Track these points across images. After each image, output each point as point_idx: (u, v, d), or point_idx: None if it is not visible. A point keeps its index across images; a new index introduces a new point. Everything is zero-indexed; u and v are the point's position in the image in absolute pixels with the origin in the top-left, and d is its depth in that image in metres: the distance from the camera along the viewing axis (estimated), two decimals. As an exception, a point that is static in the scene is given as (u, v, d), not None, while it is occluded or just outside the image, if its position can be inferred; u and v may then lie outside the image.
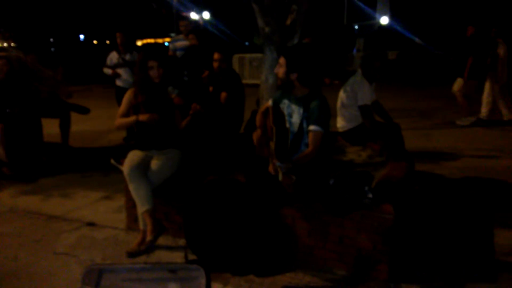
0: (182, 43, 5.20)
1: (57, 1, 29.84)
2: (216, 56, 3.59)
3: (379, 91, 3.82)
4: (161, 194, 2.75)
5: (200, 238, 2.50)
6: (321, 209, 2.36)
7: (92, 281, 1.85)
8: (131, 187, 2.60)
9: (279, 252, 2.42)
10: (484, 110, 6.72)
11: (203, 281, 1.83)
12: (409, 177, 2.84)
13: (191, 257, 2.50)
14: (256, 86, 4.02)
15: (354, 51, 16.53)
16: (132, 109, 2.81)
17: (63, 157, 4.69)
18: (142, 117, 2.70)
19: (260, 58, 5.02)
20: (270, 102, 2.69)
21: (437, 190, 3.40)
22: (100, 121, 6.28)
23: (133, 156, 2.71)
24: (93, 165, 4.46)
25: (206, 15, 18.70)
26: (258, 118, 2.72)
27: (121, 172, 2.75)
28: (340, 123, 3.69)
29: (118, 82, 5.45)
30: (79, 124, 5.60)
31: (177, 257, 2.57)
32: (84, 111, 5.08)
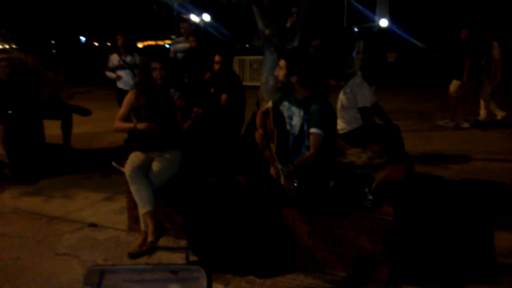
0: (182, 45, 5.23)
1: (58, 3, 29.91)
2: (217, 58, 3.61)
3: (378, 93, 3.84)
4: (162, 195, 2.76)
5: (201, 239, 2.52)
6: (321, 210, 2.38)
7: (94, 282, 1.87)
8: (132, 188, 2.61)
9: (279, 253, 2.43)
10: (482, 112, 6.76)
11: (204, 282, 1.84)
12: (409, 179, 2.86)
13: (192, 258, 2.51)
14: (257, 88, 4.04)
15: (354, 53, 16.55)
16: (134, 111, 2.83)
17: (64, 158, 4.71)
18: (140, 125, 2.72)
19: (260, 60, 5.05)
20: (270, 104, 2.71)
21: (437, 192, 3.41)
22: (102, 123, 6.29)
23: (135, 158, 2.72)
24: (95, 167, 4.47)
25: (206, 17, 18.73)
26: (258, 118, 2.74)
27: (122, 173, 2.76)
28: (340, 125, 3.71)
29: (119, 84, 5.47)
30: (80, 126, 5.62)
31: (178, 258, 2.58)
32: (86, 112, 5.10)
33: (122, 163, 2.93)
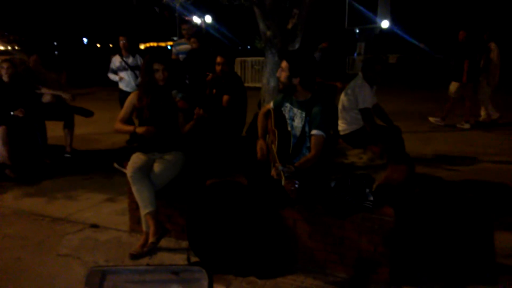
0: (184, 46, 5.25)
1: (60, 4, 30.03)
2: (218, 59, 3.62)
3: (379, 94, 3.85)
4: (164, 196, 2.77)
5: (203, 240, 2.52)
6: (322, 211, 2.38)
7: (95, 283, 1.87)
8: (134, 189, 2.62)
9: (280, 254, 2.43)
10: (483, 114, 6.78)
11: (205, 283, 1.85)
12: (410, 179, 2.86)
13: (194, 259, 2.52)
14: (258, 89, 4.05)
15: (355, 55, 16.56)
16: (136, 112, 2.84)
17: (66, 159, 4.72)
18: (139, 129, 2.76)
19: (262, 62, 5.06)
20: (271, 105, 2.72)
21: (438, 193, 3.41)
22: (104, 124, 6.31)
23: (136, 159, 2.73)
24: (97, 168, 4.49)
25: (208, 19, 18.79)
26: (260, 119, 2.75)
27: (124, 174, 2.77)
28: (341, 126, 3.71)
29: (121, 85, 5.50)
30: (82, 127, 5.64)
31: (180, 259, 2.58)
32: (88, 114, 5.12)
33: (124, 164, 2.94)
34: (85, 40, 42.01)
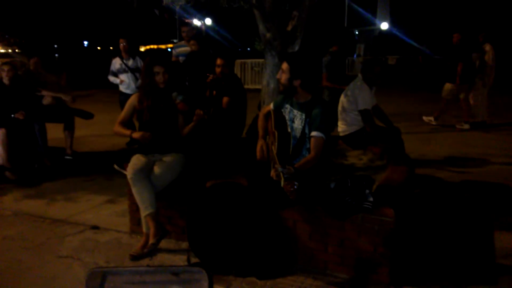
0: (184, 49, 5.25)
1: (61, 7, 30.13)
2: (218, 61, 3.63)
3: (379, 95, 3.86)
4: (164, 197, 2.77)
5: (203, 241, 2.53)
6: (322, 212, 2.39)
7: (96, 284, 1.88)
8: (134, 190, 2.63)
9: (280, 254, 2.44)
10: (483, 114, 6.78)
11: (205, 283, 1.85)
12: (410, 180, 2.86)
13: (194, 260, 2.53)
14: (258, 91, 4.06)
15: (355, 56, 16.60)
16: (137, 114, 2.85)
17: (67, 161, 4.73)
18: (135, 134, 2.79)
19: (262, 64, 5.07)
20: (271, 106, 2.73)
21: (437, 194, 3.41)
22: (104, 126, 6.32)
23: (136, 160, 2.74)
24: (97, 169, 4.49)
25: (208, 21, 18.86)
26: (260, 120, 2.76)
27: (124, 176, 2.78)
28: (341, 127, 3.72)
29: (121, 88, 5.51)
30: (83, 129, 5.65)
31: (180, 260, 2.59)
32: (88, 116, 5.13)
33: (124, 165, 2.95)
34: (85, 42, 42.14)
